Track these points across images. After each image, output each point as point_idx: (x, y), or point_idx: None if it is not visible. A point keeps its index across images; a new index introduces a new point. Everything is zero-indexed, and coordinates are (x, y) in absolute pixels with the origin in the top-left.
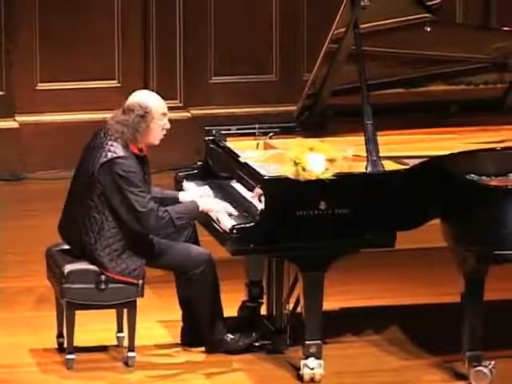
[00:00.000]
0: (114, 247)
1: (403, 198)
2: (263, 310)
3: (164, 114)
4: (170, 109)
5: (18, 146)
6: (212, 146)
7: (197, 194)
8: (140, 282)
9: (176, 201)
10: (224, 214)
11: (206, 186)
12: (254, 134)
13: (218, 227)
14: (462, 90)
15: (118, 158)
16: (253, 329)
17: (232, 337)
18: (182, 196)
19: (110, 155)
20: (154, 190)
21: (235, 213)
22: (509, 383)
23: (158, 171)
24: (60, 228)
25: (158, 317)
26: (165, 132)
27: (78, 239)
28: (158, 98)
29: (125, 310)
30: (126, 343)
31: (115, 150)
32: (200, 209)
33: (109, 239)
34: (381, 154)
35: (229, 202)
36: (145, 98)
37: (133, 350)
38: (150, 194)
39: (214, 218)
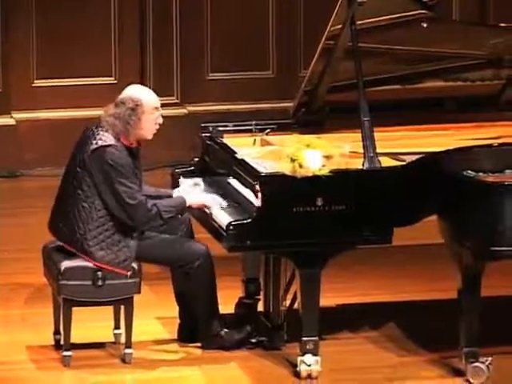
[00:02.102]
0: (102, 237)
1: (400, 195)
2: (260, 307)
3: (156, 108)
4: (167, 105)
5: (14, 143)
6: (209, 142)
7: (187, 187)
8: (129, 273)
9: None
10: (217, 209)
11: (199, 179)
12: (250, 131)
13: (215, 224)
14: (458, 86)
15: (109, 146)
16: (248, 325)
17: (226, 331)
18: (176, 194)
19: (100, 143)
20: (149, 189)
21: (225, 204)
22: (506, 379)
23: (154, 168)
24: (50, 226)
25: (155, 313)
26: (158, 126)
27: (70, 232)
28: (150, 92)
29: (122, 307)
30: (123, 340)
31: (106, 139)
32: (188, 203)
33: (97, 229)
34: (378, 151)
35: (225, 198)
36: (136, 91)
37: (130, 347)
38: (137, 186)
39: (208, 213)
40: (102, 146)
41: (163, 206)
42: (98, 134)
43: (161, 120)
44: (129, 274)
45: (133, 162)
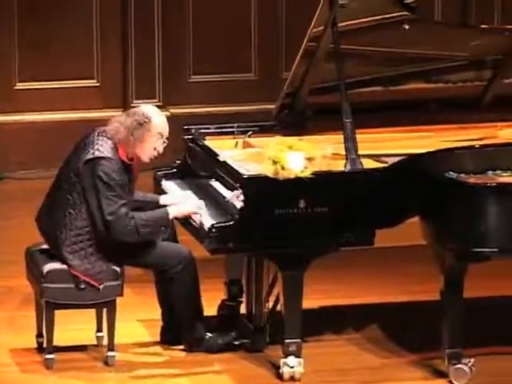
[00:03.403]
0: (82, 245)
1: (382, 196)
2: (243, 309)
3: (160, 134)
4: None
5: None
6: (191, 144)
7: (176, 195)
8: (101, 286)
9: (157, 205)
10: (205, 217)
11: (189, 191)
12: (232, 133)
13: (197, 226)
14: (440, 87)
15: (103, 158)
16: (231, 327)
17: (211, 335)
18: (163, 200)
19: (96, 154)
20: (138, 193)
21: (211, 210)
22: (488, 381)
23: None
24: (38, 219)
25: (138, 316)
26: (156, 153)
27: (52, 235)
28: (164, 119)
29: (104, 310)
30: (105, 342)
31: (103, 150)
32: (171, 216)
33: (78, 236)
34: (360, 152)
35: (207, 201)
36: (151, 111)
37: (112, 350)
38: (124, 200)
39: (198, 222)
40: (96, 158)
41: (142, 220)
42: (96, 144)
43: (161, 149)
44: (101, 287)
45: (127, 176)
